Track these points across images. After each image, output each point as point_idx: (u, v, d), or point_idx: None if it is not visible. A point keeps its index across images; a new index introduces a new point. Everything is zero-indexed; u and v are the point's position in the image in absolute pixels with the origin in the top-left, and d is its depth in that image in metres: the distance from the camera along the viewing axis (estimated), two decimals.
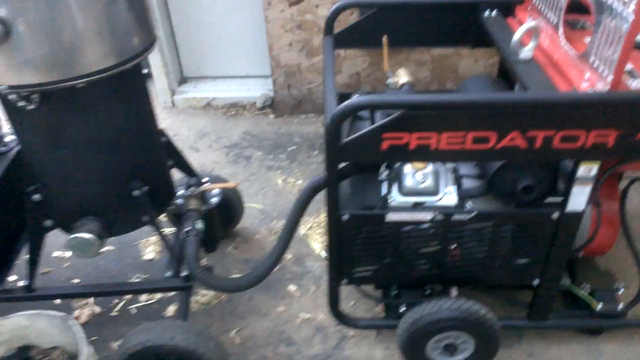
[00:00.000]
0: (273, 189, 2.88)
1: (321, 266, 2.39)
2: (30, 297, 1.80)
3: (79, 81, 1.43)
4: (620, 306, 1.91)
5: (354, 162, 1.66)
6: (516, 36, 1.68)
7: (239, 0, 3.44)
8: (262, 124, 3.48)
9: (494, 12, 2.04)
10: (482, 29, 2.03)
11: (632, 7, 1.27)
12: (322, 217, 2.58)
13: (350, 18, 3.00)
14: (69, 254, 2.43)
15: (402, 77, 1.95)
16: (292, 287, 2.30)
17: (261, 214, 2.70)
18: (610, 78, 1.38)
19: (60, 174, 1.66)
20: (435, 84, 3.40)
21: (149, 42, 1.63)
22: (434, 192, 1.73)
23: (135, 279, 2.33)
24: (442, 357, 1.87)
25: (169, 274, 1.85)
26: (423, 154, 1.49)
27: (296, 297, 2.26)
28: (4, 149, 1.98)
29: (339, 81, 3.39)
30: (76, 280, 2.32)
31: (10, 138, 2.01)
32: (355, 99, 1.44)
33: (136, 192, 1.72)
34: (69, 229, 1.72)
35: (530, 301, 1.89)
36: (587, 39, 1.52)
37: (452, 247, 1.73)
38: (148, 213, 1.79)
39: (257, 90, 3.65)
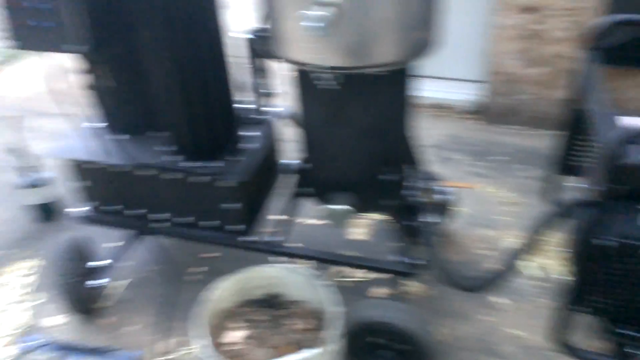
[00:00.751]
0: (479, 196, 2.84)
1: (526, 284, 2.31)
2: (282, 251, 2.05)
3: (378, 69, 1.57)
4: None
5: (633, 186, 1.57)
6: None
7: (467, 4, 3.41)
8: (468, 128, 3.44)
9: None
10: None
11: None
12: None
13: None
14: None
15: None
16: (496, 299, 2.26)
17: (467, 218, 2.69)
18: None
19: (331, 149, 1.84)
20: None
21: (431, 43, 1.71)
22: None
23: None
24: None
25: (399, 258, 1.95)
26: None
27: (501, 309, 2.22)
28: (267, 118, 2.25)
29: (554, 95, 3.21)
30: (298, 244, 2.55)
31: (271, 109, 2.27)
32: None
33: (385, 178, 1.84)
34: (325, 199, 1.91)
35: None
36: None
37: None
38: (390, 198, 1.90)
39: (464, 93, 3.61)
